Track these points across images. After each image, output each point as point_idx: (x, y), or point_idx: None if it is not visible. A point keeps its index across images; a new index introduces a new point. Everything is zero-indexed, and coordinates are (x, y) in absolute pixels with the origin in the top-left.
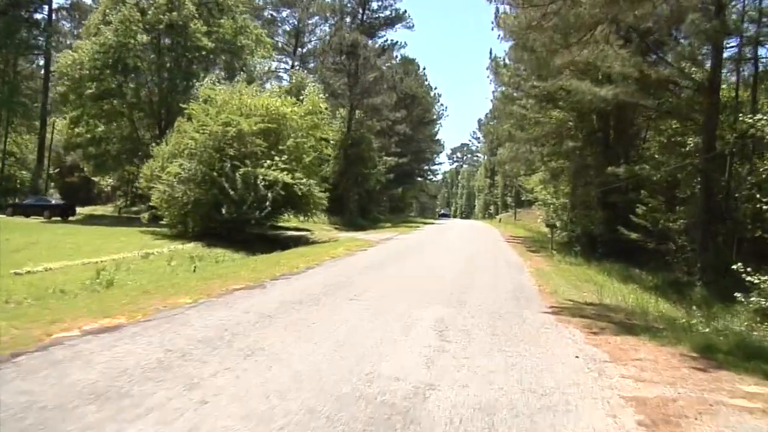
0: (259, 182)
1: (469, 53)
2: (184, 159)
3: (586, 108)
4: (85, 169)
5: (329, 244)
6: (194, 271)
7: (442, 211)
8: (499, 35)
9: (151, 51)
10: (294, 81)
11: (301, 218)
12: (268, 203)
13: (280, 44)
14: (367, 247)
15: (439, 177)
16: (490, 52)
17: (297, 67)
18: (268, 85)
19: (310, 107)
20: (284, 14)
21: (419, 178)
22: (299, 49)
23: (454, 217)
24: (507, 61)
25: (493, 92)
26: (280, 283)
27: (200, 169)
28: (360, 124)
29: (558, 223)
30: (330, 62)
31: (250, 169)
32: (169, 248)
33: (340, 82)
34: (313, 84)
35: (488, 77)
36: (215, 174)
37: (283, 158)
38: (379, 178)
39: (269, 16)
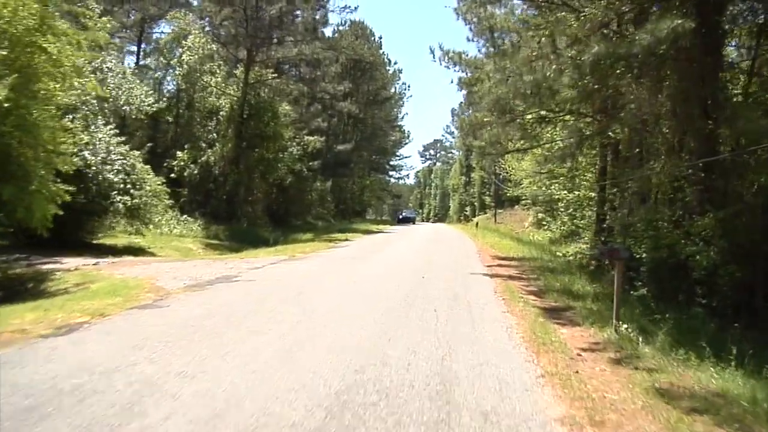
0: None
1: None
2: None
3: None
4: None
5: None
6: None
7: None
8: None
9: None
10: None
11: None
12: None
13: None
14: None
15: (410, 175)
16: None
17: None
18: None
19: None
20: None
21: (380, 174)
22: None
23: (426, 220)
24: None
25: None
26: None
27: None
28: (264, 88)
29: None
30: None
31: None
32: None
33: (229, 18)
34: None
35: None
36: None
37: None
38: (293, 166)
39: None
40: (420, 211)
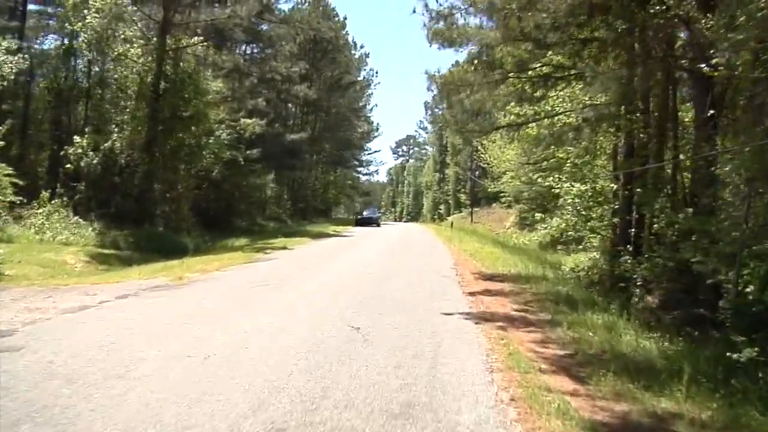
0: None
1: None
2: None
3: None
4: None
5: None
6: None
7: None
8: None
9: None
10: None
11: None
12: None
13: None
14: None
15: (380, 172)
16: None
17: None
18: None
19: None
20: None
21: (346, 169)
22: None
23: (399, 219)
24: None
25: None
26: None
27: None
28: (187, 59)
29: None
30: None
31: None
32: None
33: None
34: None
35: None
36: None
37: None
38: (221, 153)
39: None
40: (393, 209)
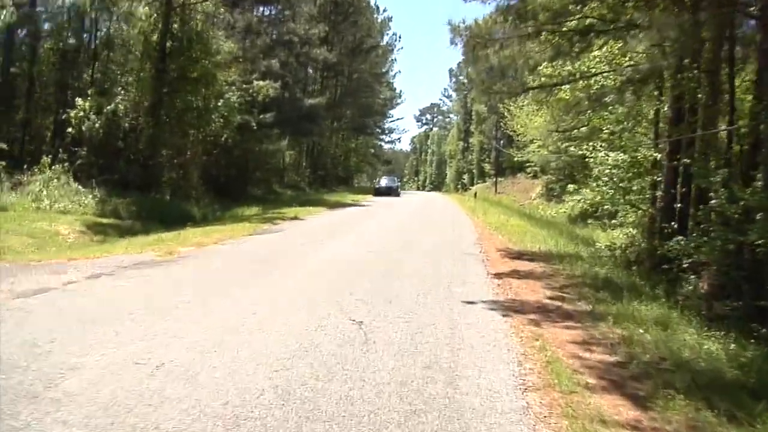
0: None
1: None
2: None
3: None
4: None
5: None
6: None
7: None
8: None
9: None
10: None
11: None
12: None
13: None
14: None
15: (403, 140)
16: None
17: None
18: None
19: None
20: None
21: (367, 136)
22: None
23: (422, 188)
24: None
25: None
26: None
27: None
28: (196, 17)
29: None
30: None
31: None
32: None
33: None
34: None
35: None
36: None
37: None
38: (231, 117)
39: None
40: (416, 178)
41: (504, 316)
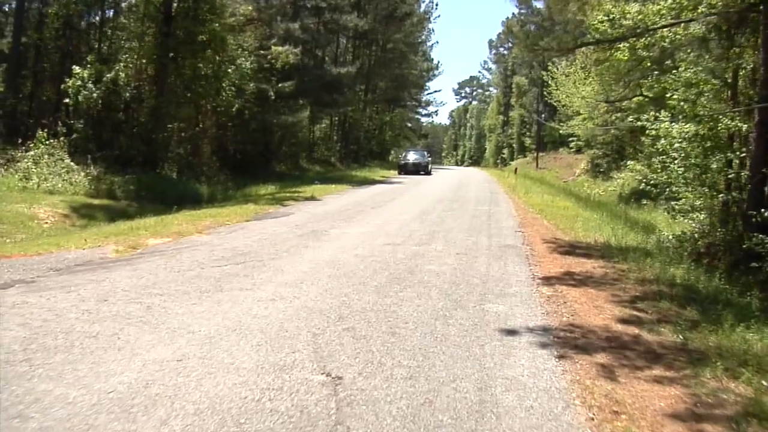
0: None
1: None
2: None
3: None
4: None
5: None
6: None
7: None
8: None
9: None
10: None
11: None
12: None
13: None
14: None
15: (440, 113)
16: None
17: None
18: None
19: None
20: None
21: (402, 109)
22: None
23: (460, 163)
24: None
25: None
26: None
27: None
28: None
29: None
30: None
31: None
32: None
33: None
34: None
35: None
36: None
37: None
38: (243, 85)
39: None
40: (454, 153)
41: (560, 359)
